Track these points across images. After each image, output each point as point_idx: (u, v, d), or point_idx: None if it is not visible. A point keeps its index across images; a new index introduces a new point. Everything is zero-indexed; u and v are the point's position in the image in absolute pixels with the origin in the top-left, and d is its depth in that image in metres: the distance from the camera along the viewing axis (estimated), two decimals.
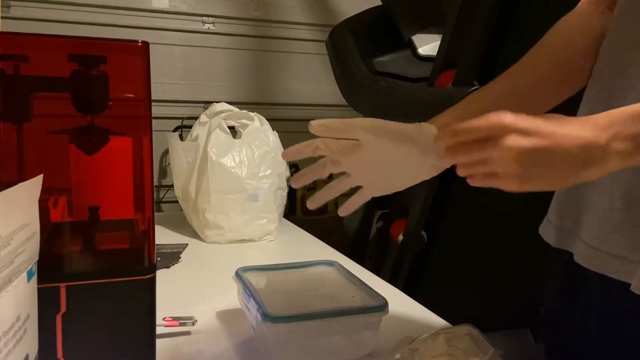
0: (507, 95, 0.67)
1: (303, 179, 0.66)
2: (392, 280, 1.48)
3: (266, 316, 0.61)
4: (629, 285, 0.53)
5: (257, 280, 0.74)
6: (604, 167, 0.45)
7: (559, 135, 0.45)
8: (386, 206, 1.83)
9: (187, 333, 0.73)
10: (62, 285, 0.53)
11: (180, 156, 1.25)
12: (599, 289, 0.59)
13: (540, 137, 0.45)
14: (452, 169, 0.63)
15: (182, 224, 1.31)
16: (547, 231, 0.68)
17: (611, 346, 0.59)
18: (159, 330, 0.62)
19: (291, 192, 2.52)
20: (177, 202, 1.32)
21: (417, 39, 1.74)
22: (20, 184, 0.44)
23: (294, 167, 2.85)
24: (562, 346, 0.68)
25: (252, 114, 1.33)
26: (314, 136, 0.63)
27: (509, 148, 0.45)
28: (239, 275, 0.74)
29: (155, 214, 0.95)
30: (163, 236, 1.25)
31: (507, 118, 0.45)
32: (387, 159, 0.61)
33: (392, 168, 0.63)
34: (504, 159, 0.45)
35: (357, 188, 0.68)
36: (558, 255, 0.66)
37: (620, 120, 0.45)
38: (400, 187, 0.65)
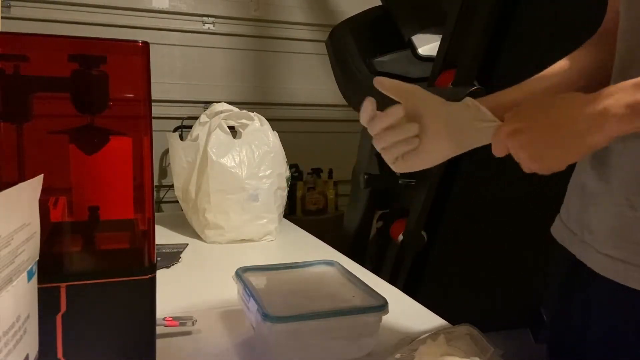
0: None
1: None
2: (392, 280, 1.48)
3: (266, 316, 0.61)
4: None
5: (257, 280, 0.74)
6: (605, 132, 0.50)
7: (556, 117, 0.52)
8: (386, 206, 1.83)
9: (187, 333, 0.73)
10: (62, 285, 0.53)
11: (180, 156, 1.25)
12: (603, 290, 0.59)
13: (534, 129, 0.53)
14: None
15: (182, 224, 1.31)
16: (568, 239, 0.67)
17: (615, 347, 0.58)
18: (159, 330, 0.62)
19: (291, 192, 2.52)
20: (177, 202, 1.32)
21: (417, 39, 1.74)
22: (20, 184, 0.44)
23: (293, 167, 2.86)
24: (565, 347, 0.68)
25: (252, 114, 1.33)
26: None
27: (512, 144, 0.54)
28: (239, 275, 0.74)
29: (155, 214, 0.95)
30: (163, 236, 1.25)
31: (504, 129, 0.55)
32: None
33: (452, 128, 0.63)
34: (513, 149, 0.55)
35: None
36: (562, 256, 0.65)
37: (621, 88, 0.49)
38: (464, 147, 0.64)
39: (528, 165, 0.54)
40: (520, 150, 0.54)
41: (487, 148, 0.66)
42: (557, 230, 0.69)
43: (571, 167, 0.67)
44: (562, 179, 0.70)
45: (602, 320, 0.60)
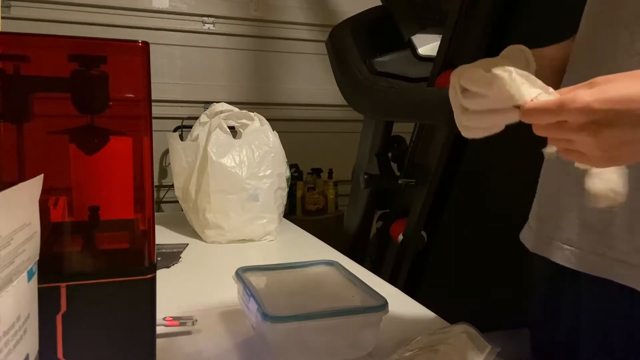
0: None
1: None
2: (392, 280, 1.48)
3: (266, 316, 0.61)
4: (630, 289, 0.53)
5: (257, 280, 0.74)
6: None
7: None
8: (386, 206, 1.83)
9: (187, 333, 0.73)
10: (62, 285, 0.53)
11: (180, 156, 1.25)
12: (592, 292, 0.59)
13: (617, 118, 0.40)
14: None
15: (182, 224, 1.31)
16: (538, 243, 0.67)
17: (606, 350, 0.58)
18: (159, 330, 0.62)
19: (291, 192, 2.52)
20: (177, 202, 1.32)
21: (417, 39, 1.74)
22: (21, 184, 0.44)
23: (293, 167, 2.86)
24: (552, 352, 0.67)
25: (252, 114, 1.33)
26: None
27: (587, 137, 0.41)
28: (239, 275, 0.74)
29: (155, 214, 0.95)
30: (163, 236, 1.25)
31: (580, 100, 0.41)
32: None
33: None
34: (585, 144, 0.42)
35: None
36: (545, 262, 0.65)
37: None
38: None
39: (593, 163, 0.44)
40: (593, 148, 0.42)
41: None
42: (530, 238, 0.69)
43: None
44: None
45: (592, 321, 0.60)
